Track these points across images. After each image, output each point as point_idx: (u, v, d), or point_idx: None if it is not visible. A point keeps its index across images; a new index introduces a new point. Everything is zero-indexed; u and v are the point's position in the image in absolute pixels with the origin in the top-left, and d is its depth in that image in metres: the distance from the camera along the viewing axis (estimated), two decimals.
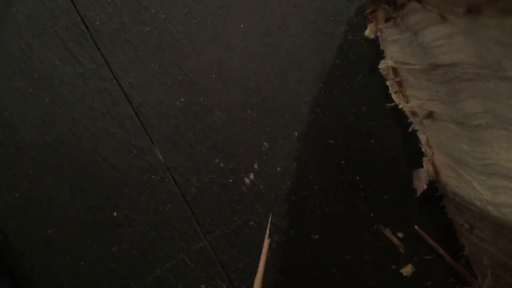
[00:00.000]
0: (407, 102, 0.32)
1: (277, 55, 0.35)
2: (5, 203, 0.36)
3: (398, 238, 0.35)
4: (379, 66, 0.33)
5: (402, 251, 0.35)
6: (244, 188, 0.34)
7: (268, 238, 0.34)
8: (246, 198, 0.34)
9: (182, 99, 0.34)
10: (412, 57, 0.30)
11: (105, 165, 0.35)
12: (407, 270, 0.35)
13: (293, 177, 0.35)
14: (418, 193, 0.34)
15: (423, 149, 0.33)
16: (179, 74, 0.34)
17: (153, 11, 0.35)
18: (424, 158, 0.33)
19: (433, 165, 0.32)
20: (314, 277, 0.34)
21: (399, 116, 0.34)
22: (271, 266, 0.34)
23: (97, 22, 0.34)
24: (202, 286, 0.34)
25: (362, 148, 0.35)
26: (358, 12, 0.35)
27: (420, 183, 0.34)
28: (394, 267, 0.35)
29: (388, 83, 0.33)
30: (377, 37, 0.33)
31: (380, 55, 0.33)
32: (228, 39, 0.35)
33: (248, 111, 0.35)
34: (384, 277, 0.35)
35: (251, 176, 0.35)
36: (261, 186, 0.35)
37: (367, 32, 0.34)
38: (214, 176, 0.35)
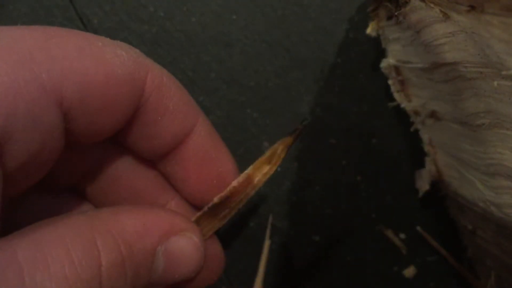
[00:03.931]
0: (410, 101, 0.32)
1: (277, 54, 0.35)
2: None
3: (400, 239, 0.35)
4: (381, 65, 0.33)
5: (404, 252, 0.34)
6: None
7: (268, 239, 0.34)
8: None
9: None
10: (415, 56, 0.30)
11: None
12: (409, 271, 0.35)
13: (293, 177, 0.35)
14: (421, 193, 0.34)
15: (425, 149, 0.33)
16: (178, 73, 0.34)
17: (152, 9, 0.34)
18: (426, 158, 0.33)
19: (436, 165, 0.32)
20: (315, 278, 0.34)
21: (401, 116, 0.34)
22: (271, 268, 0.34)
23: (95, 20, 0.34)
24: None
25: (363, 148, 0.35)
26: (359, 10, 0.35)
27: (423, 184, 0.34)
28: (396, 268, 0.35)
29: (390, 82, 0.33)
30: (378, 35, 0.33)
31: (382, 54, 0.33)
32: (228, 37, 0.35)
33: (248, 110, 0.35)
34: (386, 279, 0.34)
35: None
36: (261, 186, 0.34)
37: (368, 30, 0.33)
38: None
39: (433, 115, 0.31)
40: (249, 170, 0.26)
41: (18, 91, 0.17)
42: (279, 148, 0.26)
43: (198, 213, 0.25)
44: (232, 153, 0.35)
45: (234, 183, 0.25)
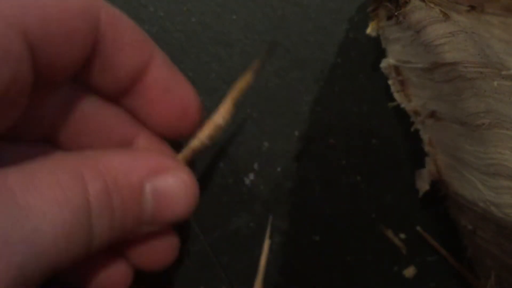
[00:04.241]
0: (410, 101, 0.32)
1: (277, 53, 0.35)
2: None
3: (400, 239, 0.35)
4: (381, 65, 0.33)
5: (404, 252, 0.34)
6: (244, 189, 0.34)
7: (268, 239, 0.34)
8: (246, 199, 0.34)
9: None
10: (415, 56, 0.29)
11: None
12: (409, 271, 0.34)
13: (294, 177, 0.35)
14: (421, 193, 0.34)
15: (425, 149, 0.33)
16: None
17: (152, 9, 0.34)
18: (426, 158, 0.33)
19: (436, 165, 0.32)
20: (315, 278, 0.34)
21: (402, 116, 0.34)
22: (271, 268, 0.34)
23: None
24: (201, 287, 0.34)
25: (363, 148, 0.35)
26: (359, 10, 0.35)
27: (423, 184, 0.34)
28: (396, 268, 0.34)
29: (390, 82, 0.33)
30: (378, 35, 0.33)
31: (382, 54, 0.33)
32: (228, 37, 0.35)
33: (248, 110, 0.35)
34: (386, 279, 0.34)
35: (251, 176, 0.34)
36: (261, 187, 0.34)
37: (368, 30, 0.33)
38: (213, 176, 0.34)
39: (433, 115, 0.31)
40: (215, 118, 0.27)
41: None
42: (242, 86, 0.27)
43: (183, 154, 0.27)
44: (232, 153, 0.35)
45: (204, 137, 0.27)
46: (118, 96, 0.26)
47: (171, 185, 0.23)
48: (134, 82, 0.25)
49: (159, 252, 0.27)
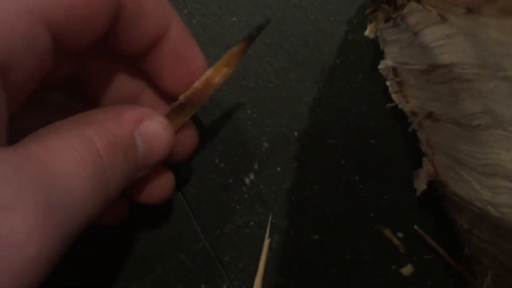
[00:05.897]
0: (407, 102, 0.32)
1: (277, 55, 0.35)
2: None
3: (398, 238, 0.35)
4: (379, 66, 0.33)
5: (402, 251, 0.35)
6: (244, 188, 0.35)
7: (268, 238, 0.34)
8: (246, 198, 0.35)
9: None
10: (412, 57, 0.30)
11: None
12: (407, 270, 0.35)
13: (293, 177, 0.35)
14: (418, 193, 0.34)
15: (423, 149, 0.33)
16: None
17: None
18: (424, 158, 0.33)
19: (433, 165, 0.32)
20: (314, 277, 0.34)
21: (400, 116, 0.34)
22: (271, 266, 0.34)
23: None
24: (202, 286, 0.34)
25: (362, 148, 0.35)
26: (358, 12, 0.35)
27: (420, 183, 0.34)
28: (394, 267, 0.35)
29: (388, 83, 0.33)
30: (377, 37, 0.33)
31: (380, 55, 0.33)
32: (228, 39, 0.35)
33: (248, 111, 0.35)
34: (384, 277, 0.35)
35: (251, 176, 0.35)
36: (261, 186, 0.35)
37: (367, 32, 0.34)
38: (214, 176, 0.35)
39: (430, 116, 0.31)
40: (209, 72, 0.28)
41: (12, 24, 0.18)
42: (235, 52, 0.28)
43: (167, 110, 0.28)
44: (232, 153, 0.35)
45: (197, 84, 0.28)
46: (135, 58, 0.27)
47: (154, 128, 0.26)
48: (150, 48, 0.26)
49: (159, 187, 0.30)
